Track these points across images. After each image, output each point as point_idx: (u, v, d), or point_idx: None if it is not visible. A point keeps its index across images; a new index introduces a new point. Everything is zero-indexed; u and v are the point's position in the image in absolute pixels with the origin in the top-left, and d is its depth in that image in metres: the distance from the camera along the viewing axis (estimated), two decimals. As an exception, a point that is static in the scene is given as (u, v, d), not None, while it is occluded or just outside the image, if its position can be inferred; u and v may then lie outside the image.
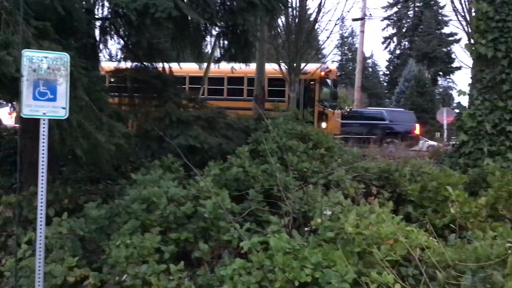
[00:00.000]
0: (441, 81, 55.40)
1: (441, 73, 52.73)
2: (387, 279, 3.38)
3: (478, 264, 3.62)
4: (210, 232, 4.74)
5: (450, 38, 51.94)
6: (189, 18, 6.59)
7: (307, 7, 18.77)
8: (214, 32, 8.24)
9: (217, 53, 9.23)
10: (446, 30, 53.24)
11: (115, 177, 6.61)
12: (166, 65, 8.43)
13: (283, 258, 3.71)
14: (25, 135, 5.98)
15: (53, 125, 4.57)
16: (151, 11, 5.87)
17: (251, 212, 5.11)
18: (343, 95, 36.51)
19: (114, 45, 8.69)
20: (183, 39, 7.99)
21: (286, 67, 17.61)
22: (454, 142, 10.22)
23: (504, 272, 3.49)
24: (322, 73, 19.41)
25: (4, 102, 15.46)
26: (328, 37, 50.04)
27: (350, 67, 55.41)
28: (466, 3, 17.74)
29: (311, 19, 19.17)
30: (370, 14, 54.89)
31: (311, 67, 19.05)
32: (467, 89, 9.11)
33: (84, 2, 6.57)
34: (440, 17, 53.38)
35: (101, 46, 7.90)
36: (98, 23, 7.55)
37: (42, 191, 4.08)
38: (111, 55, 11.01)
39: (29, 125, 5.33)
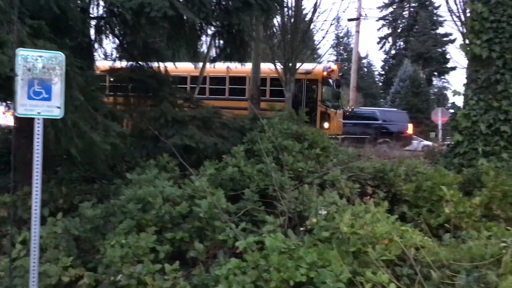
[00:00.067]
0: (436, 81, 55.60)
1: (436, 73, 52.92)
2: (381, 279, 3.39)
3: (472, 263, 3.63)
4: (205, 232, 4.73)
5: (445, 39, 52.14)
6: (185, 18, 6.58)
7: (303, 7, 18.84)
8: (209, 32, 8.25)
9: (213, 52, 9.23)
10: (441, 30, 53.48)
11: (110, 176, 6.59)
12: (161, 64, 8.42)
13: (278, 258, 3.71)
14: (20, 135, 5.95)
15: (48, 125, 4.55)
16: (147, 10, 5.86)
17: (247, 211, 5.11)
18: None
19: (109, 44, 8.68)
20: (178, 39, 7.98)
21: (282, 67, 17.62)
22: (448, 142, 10.24)
23: (498, 271, 3.51)
24: (325, 73, 19.36)
25: (-1, 102, 15.35)
26: (323, 37, 50.22)
27: (346, 67, 55.52)
28: (461, 3, 17.80)
29: (307, 19, 19.21)
30: (366, 14, 55.17)
31: (314, 67, 19.04)
32: (461, 89, 9.16)
33: (79, 1, 6.55)
34: (435, 18, 53.58)
35: (96, 45, 7.88)
36: (93, 22, 7.53)
37: (36, 191, 4.06)
38: (106, 55, 10.97)
39: (24, 125, 5.31)
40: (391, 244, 3.87)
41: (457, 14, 18.37)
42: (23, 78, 3.99)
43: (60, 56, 4.15)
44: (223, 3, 7.22)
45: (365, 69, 60.11)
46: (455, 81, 66.66)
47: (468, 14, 12.51)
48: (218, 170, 5.97)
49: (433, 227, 5.21)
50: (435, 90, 53.77)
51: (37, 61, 4.04)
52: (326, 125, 18.81)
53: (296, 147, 7.10)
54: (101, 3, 7.22)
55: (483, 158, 8.13)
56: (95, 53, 8.03)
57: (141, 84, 7.96)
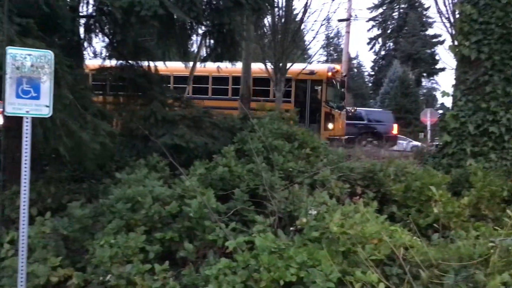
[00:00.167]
0: (425, 82, 56.02)
1: (425, 74, 53.30)
2: (371, 278, 3.40)
3: (461, 263, 3.66)
4: (195, 232, 4.72)
5: (434, 40, 52.49)
6: (175, 17, 6.55)
7: (293, 7, 18.86)
8: (200, 31, 8.21)
9: (203, 52, 9.20)
10: (430, 31, 53.84)
11: (99, 176, 6.55)
12: (151, 63, 8.38)
13: (268, 258, 3.72)
14: (8, 134, 5.90)
15: (36, 124, 4.51)
16: (137, 9, 5.83)
17: (237, 211, 5.11)
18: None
19: (99, 43, 8.62)
20: (169, 38, 7.95)
21: (272, 66, 17.64)
22: (437, 143, 10.32)
23: (486, 271, 3.54)
24: (329, 74, 19.35)
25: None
26: (314, 38, 50.29)
27: (336, 68, 55.65)
28: (450, 5, 17.95)
29: (297, 19, 19.25)
30: (356, 15, 55.29)
31: (318, 67, 19.01)
32: (450, 90, 9.23)
33: (68, 0, 6.51)
34: (424, 19, 53.95)
35: (85, 44, 7.83)
36: (82, 21, 7.48)
37: (25, 190, 4.03)
38: (96, 53, 10.91)
39: (12, 124, 5.26)
40: (380, 244, 3.89)
41: (446, 16, 18.54)
42: (11, 77, 3.95)
43: (49, 54, 4.12)
44: (214, 2, 7.21)
45: (355, 70, 60.36)
46: (444, 82, 67.33)
47: (457, 16, 12.61)
48: (208, 169, 5.96)
49: (422, 227, 5.25)
50: (424, 91, 54.18)
51: (26, 60, 4.01)
52: (330, 126, 18.81)
53: (287, 147, 7.11)
54: (91, 1, 7.18)
55: (472, 158, 8.19)
56: (84, 52, 7.98)
57: (131, 83, 7.92)
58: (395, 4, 57.58)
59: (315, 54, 47.61)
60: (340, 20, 30.79)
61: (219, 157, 6.34)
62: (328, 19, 37.57)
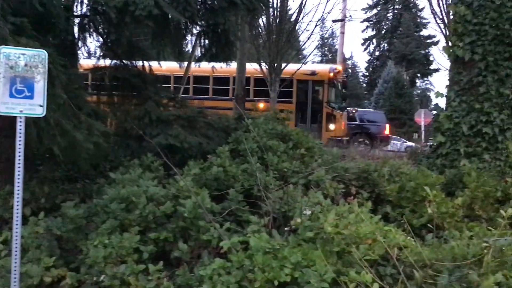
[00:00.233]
0: (419, 82, 56.27)
1: (419, 75, 53.54)
2: (365, 279, 3.41)
3: (454, 263, 3.67)
4: (189, 232, 4.72)
5: (428, 41, 52.73)
6: (170, 17, 6.54)
7: (288, 8, 18.87)
8: (195, 31, 8.20)
9: (198, 52, 9.18)
10: (424, 32, 54.12)
11: (93, 176, 6.53)
12: (146, 63, 8.36)
13: (263, 258, 3.72)
14: (1, 133, 5.87)
15: (30, 123, 4.49)
16: (131, 8, 5.81)
17: (231, 211, 5.11)
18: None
19: (93, 42, 8.60)
20: (163, 38, 7.93)
21: (267, 67, 17.65)
22: (431, 143, 10.35)
23: (480, 271, 3.55)
24: (331, 74, 19.32)
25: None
26: (308, 38, 50.23)
27: (330, 68, 55.80)
28: (444, 6, 17.99)
29: (292, 19, 19.27)
30: (350, 16, 55.34)
31: (320, 67, 18.99)
32: (444, 91, 9.24)
33: (62, -1, 6.49)
34: (418, 20, 54.19)
35: (80, 43, 7.80)
36: (77, 20, 7.45)
37: (18, 190, 4.01)
38: (90, 53, 10.87)
39: (5, 123, 5.23)
40: (374, 244, 3.90)
41: (441, 17, 18.56)
42: (5, 76, 3.94)
43: (43, 54, 4.10)
44: (209, 2, 7.20)
45: (350, 70, 60.52)
46: (438, 83, 67.62)
47: (451, 17, 12.67)
48: (203, 170, 5.95)
49: (416, 227, 5.26)
50: (418, 91, 54.40)
51: (20, 59, 3.99)
52: (332, 127, 18.80)
53: (281, 147, 7.11)
54: (85, 1, 7.15)
55: (465, 159, 8.21)
56: (78, 51, 7.95)
57: (126, 83, 7.89)
58: (390, 5, 57.80)
59: (309, 54, 47.67)
60: (334, 21, 30.79)
61: (213, 157, 6.33)
62: (322, 20, 37.66)
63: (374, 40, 59.52)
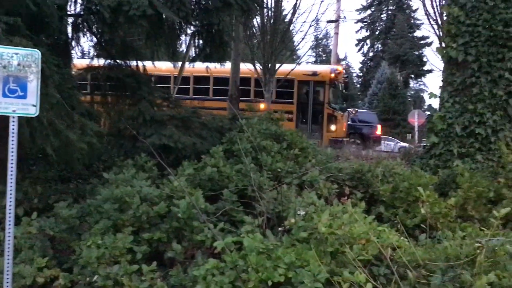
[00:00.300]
0: (412, 83, 56.46)
1: (412, 75, 53.73)
2: (359, 279, 3.41)
3: (447, 263, 3.68)
4: (183, 232, 4.71)
5: (422, 42, 52.94)
6: (164, 17, 6.54)
7: (282, 8, 18.90)
8: (189, 31, 8.21)
9: (192, 52, 9.18)
10: (418, 33, 54.29)
11: (86, 176, 6.51)
12: (140, 63, 8.35)
13: (257, 258, 3.71)
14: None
15: (23, 123, 4.47)
16: (125, 8, 5.81)
17: (225, 212, 5.10)
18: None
19: (87, 42, 8.59)
20: (157, 38, 7.92)
21: (261, 67, 17.66)
22: (424, 144, 10.38)
23: (472, 271, 3.56)
24: (332, 75, 19.30)
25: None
26: (302, 38, 50.32)
27: (324, 69, 55.88)
28: (438, 7, 18.08)
29: (286, 20, 19.29)
30: (344, 17, 55.44)
31: (321, 68, 18.96)
32: (438, 91, 9.27)
33: (56, -2, 6.46)
34: (412, 21, 54.37)
35: (73, 43, 7.78)
36: (70, 20, 7.43)
37: (11, 190, 3.98)
38: (84, 53, 10.85)
39: (-2, 123, 5.20)
40: (368, 244, 3.90)
41: (434, 18, 18.66)
42: (-3, 75, 3.91)
43: (36, 53, 4.08)
44: (203, 2, 7.21)
45: (344, 71, 60.56)
46: (432, 84, 67.82)
47: (445, 18, 12.71)
48: (197, 170, 5.94)
49: (409, 227, 5.28)
50: (412, 92, 54.58)
51: (13, 58, 3.97)
52: (333, 127, 18.79)
53: (275, 148, 7.11)
54: (79, 0, 7.14)
55: (458, 159, 8.25)
56: (72, 51, 7.94)
57: (119, 83, 7.87)
58: (384, 6, 57.98)
59: (304, 55, 47.74)
60: (329, 21, 30.83)
61: (207, 158, 6.32)
62: (317, 20, 37.75)
63: (368, 41, 59.68)
